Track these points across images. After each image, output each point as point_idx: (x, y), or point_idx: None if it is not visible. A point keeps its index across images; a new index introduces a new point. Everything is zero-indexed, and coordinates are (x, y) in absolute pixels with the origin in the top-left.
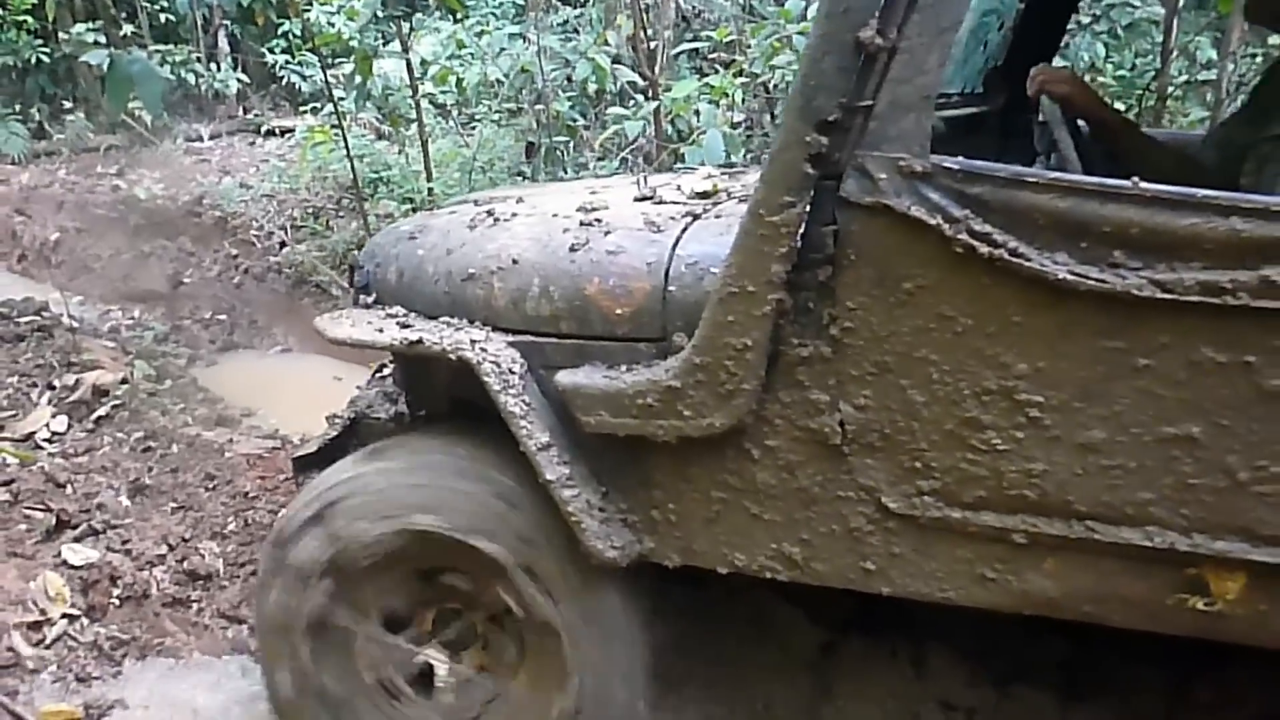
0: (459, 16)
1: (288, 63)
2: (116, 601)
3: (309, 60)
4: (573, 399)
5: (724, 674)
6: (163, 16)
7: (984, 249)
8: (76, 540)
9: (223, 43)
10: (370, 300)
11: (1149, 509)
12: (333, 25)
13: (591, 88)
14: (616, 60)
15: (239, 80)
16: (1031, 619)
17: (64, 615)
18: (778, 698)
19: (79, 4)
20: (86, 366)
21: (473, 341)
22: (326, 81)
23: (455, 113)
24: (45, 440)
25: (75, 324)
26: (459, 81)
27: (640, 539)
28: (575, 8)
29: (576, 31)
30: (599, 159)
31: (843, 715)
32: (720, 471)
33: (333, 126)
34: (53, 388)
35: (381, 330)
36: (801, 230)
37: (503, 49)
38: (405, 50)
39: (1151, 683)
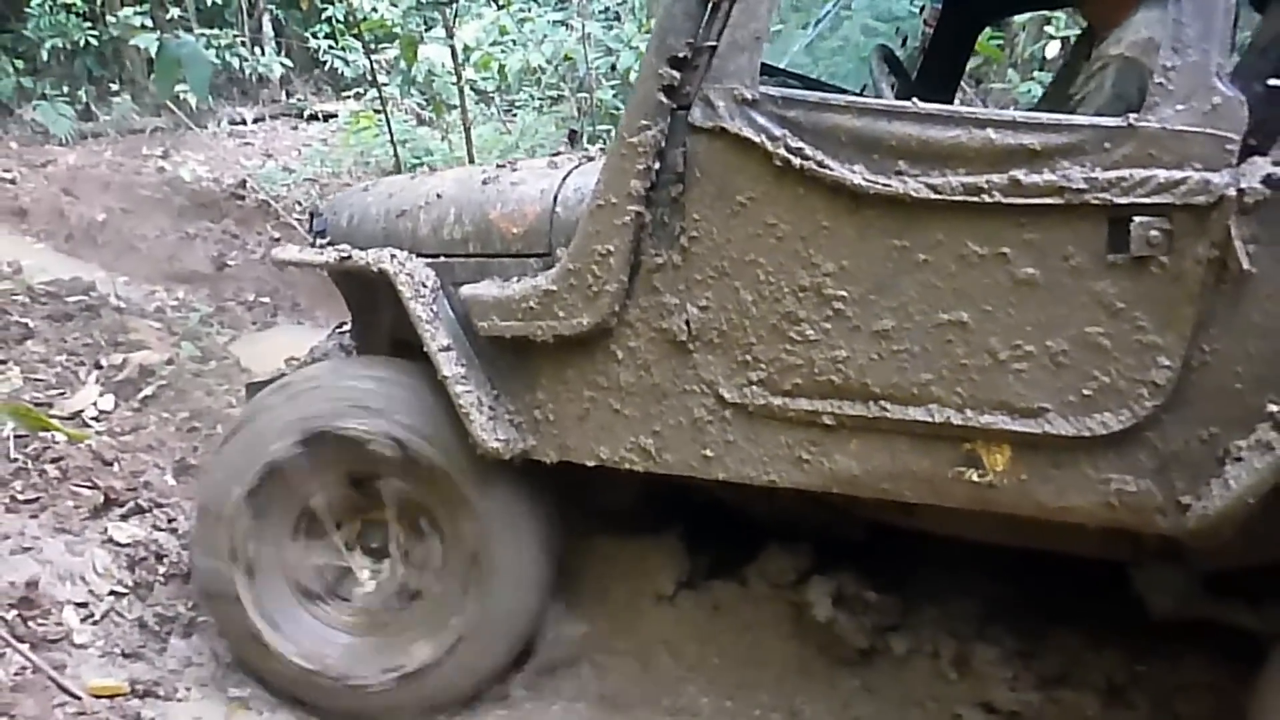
0: (502, 3)
1: (331, 47)
2: (162, 579)
3: (352, 45)
4: (472, 307)
5: (764, 674)
6: (208, 0)
7: (797, 162)
8: (123, 518)
9: (267, 27)
10: (324, 242)
11: (930, 388)
12: (376, 11)
13: (634, 76)
14: None
15: (282, 64)
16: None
17: (111, 592)
18: (818, 697)
19: None
20: (133, 346)
21: (392, 257)
22: (370, 66)
23: (497, 99)
24: (92, 418)
25: (122, 304)
26: (501, 68)
27: (524, 437)
28: None
29: (619, 19)
30: None
31: (883, 716)
32: (591, 372)
33: (376, 111)
34: (100, 366)
35: (320, 253)
36: (659, 154)
37: (545, 36)
38: (450, 36)
39: (1197, 684)
